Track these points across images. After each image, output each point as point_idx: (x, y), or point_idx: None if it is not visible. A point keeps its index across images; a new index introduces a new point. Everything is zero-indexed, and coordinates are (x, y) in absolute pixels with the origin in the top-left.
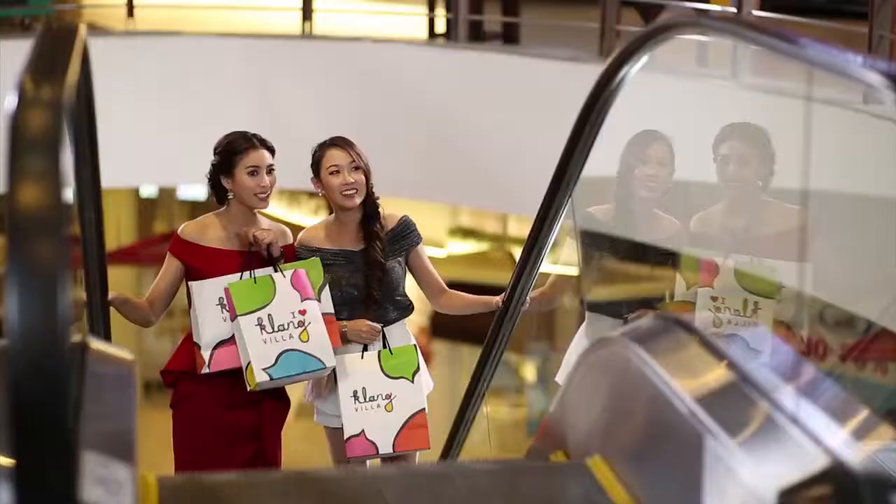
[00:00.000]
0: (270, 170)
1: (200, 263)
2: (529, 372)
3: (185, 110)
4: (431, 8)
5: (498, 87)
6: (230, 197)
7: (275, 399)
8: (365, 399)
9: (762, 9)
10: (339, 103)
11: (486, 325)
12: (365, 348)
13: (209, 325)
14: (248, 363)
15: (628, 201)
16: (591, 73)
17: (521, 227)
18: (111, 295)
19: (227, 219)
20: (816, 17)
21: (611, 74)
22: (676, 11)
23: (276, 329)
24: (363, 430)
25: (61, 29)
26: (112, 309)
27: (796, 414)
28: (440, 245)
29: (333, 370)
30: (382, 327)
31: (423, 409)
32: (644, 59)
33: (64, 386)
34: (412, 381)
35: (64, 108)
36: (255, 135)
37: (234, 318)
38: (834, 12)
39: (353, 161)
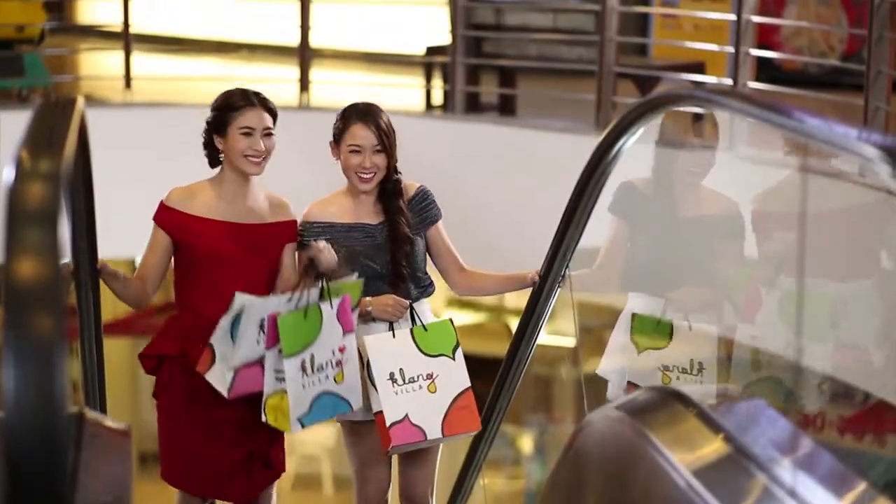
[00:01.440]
0: (268, 133)
1: (187, 235)
2: (527, 443)
3: (182, 181)
4: (428, 79)
5: (495, 159)
6: (221, 158)
7: None
8: (404, 381)
9: (758, 80)
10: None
11: (484, 395)
12: (391, 327)
13: (244, 347)
14: (268, 399)
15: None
16: (587, 144)
17: (518, 299)
18: (99, 263)
19: (218, 185)
20: (812, 88)
21: (607, 146)
22: (672, 83)
23: (315, 370)
24: (407, 415)
25: (59, 101)
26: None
27: (794, 487)
28: (436, 315)
29: (360, 354)
30: (411, 303)
31: (469, 387)
32: (640, 131)
33: (60, 458)
34: (453, 358)
35: (61, 181)
36: (256, 93)
37: (270, 347)
38: (829, 84)
39: (378, 144)
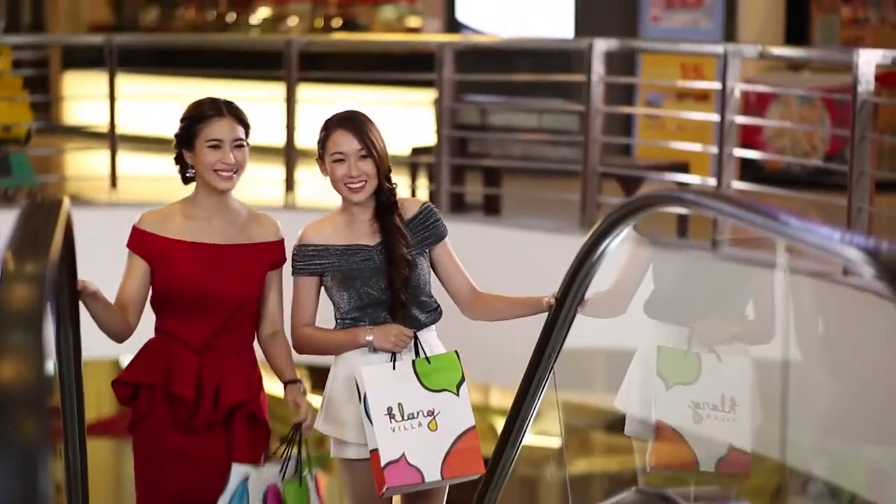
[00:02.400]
0: (239, 145)
1: (163, 259)
2: None
3: None
4: (413, 179)
5: (479, 258)
6: (191, 174)
7: (250, 422)
8: (403, 417)
9: (742, 179)
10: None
11: (468, 500)
12: (394, 358)
13: None
14: None
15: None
16: (572, 244)
17: (503, 399)
18: (80, 284)
19: (192, 204)
20: (795, 188)
21: (592, 246)
22: (657, 183)
23: None
24: (403, 454)
25: (45, 202)
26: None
27: None
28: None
29: (358, 387)
30: (415, 332)
31: (473, 426)
32: (625, 231)
33: None
34: (457, 394)
35: (47, 284)
36: (227, 102)
37: None
38: (813, 184)
39: (362, 148)
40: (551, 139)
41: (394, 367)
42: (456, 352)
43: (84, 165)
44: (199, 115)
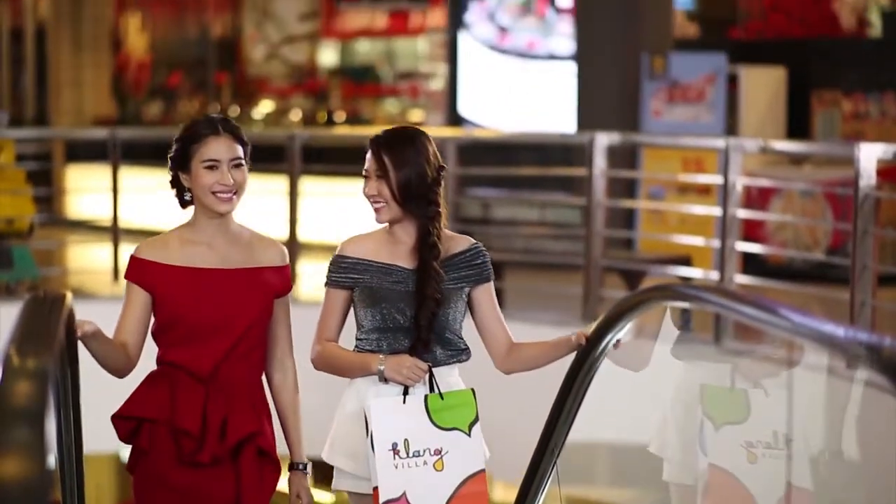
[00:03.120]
0: (237, 164)
1: (165, 287)
2: None
3: None
4: None
5: (483, 352)
6: (188, 198)
7: (260, 459)
8: (408, 454)
9: (745, 272)
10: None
11: None
12: (406, 391)
13: None
14: None
15: None
16: None
17: (506, 493)
18: (79, 325)
19: (192, 229)
20: (798, 282)
21: (595, 341)
22: (659, 277)
23: None
24: (405, 493)
25: (48, 297)
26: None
27: None
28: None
29: (366, 418)
30: (430, 367)
31: (483, 469)
32: (627, 325)
33: None
34: (469, 435)
35: (49, 379)
36: (223, 119)
37: None
38: (815, 277)
39: (378, 168)
40: (553, 233)
41: (404, 401)
42: (472, 390)
43: (86, 258)
44: (193, 135)
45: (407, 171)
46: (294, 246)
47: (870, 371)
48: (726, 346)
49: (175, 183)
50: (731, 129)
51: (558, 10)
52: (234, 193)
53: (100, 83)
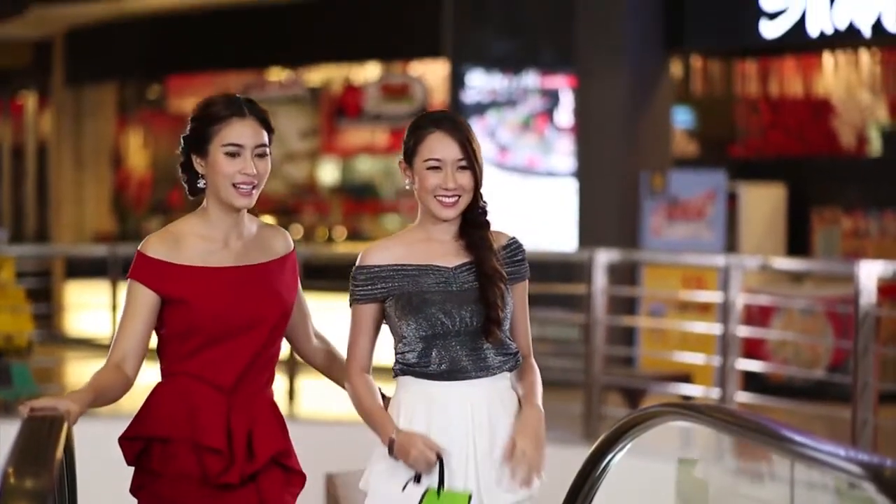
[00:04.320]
0: (262, 153)
1: (180, 291)
2: None
3: None
4: None
5: None
6: (202, 185)
7: (286, 475)
8: None
9: (746, 389)
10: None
11: None
12: (418, 477)
13: None
14: None
15: None
16: (575, 457)
17: None
18: (67, 415)
19: (205, 222)
20: (799, 399)
21: (595, 460)
22: (660, 395)
23: None
24: None
25: (46, 416)
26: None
27: None
28: None
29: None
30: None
31: None
32: (628, 445)
33: None
34: None
35: (47, 499)
36: (248, 99)
37: None
38: (816, 395)
39: (463, 158)
40: (553, 350)
41: (403, 488)
42: (469, 495)
43: (86, 375)
44: (214, 115)
45: (482, 162)
46: (293, 362)
47: (872, 492)
48: (727, 464)
49: (187, 167)
50: (731, 246)
51: (558, 129)
52: (255, 186)
53: (100, 199)
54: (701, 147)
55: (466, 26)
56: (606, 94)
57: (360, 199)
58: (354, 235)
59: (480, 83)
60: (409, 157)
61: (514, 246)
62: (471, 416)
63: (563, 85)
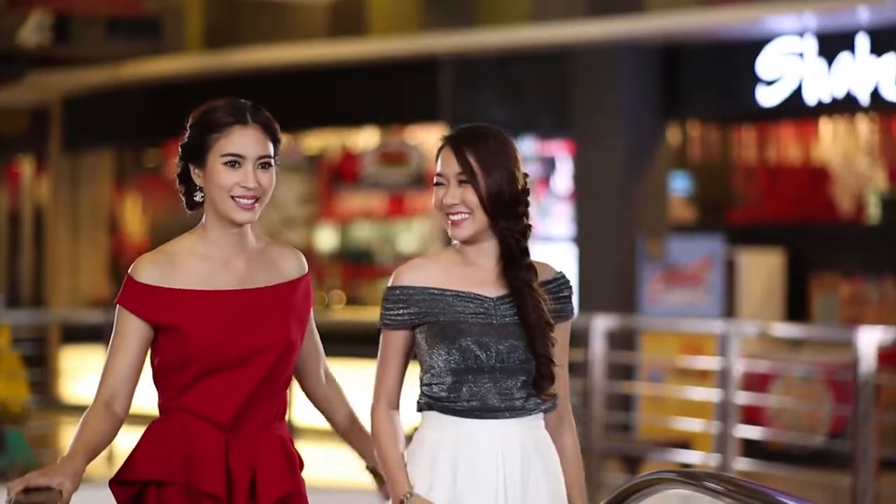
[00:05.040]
0: (265, 164)
1: (175, 318)
2: None
3: None
4: None
5: None
6: (199, 199)
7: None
8: None
9: (746, 455)
10: None
11: None
12: None
13: None
14: None
15: None
16: None
17: None
18: (55, 484)
19: (203, 240)
20: (798, 466)
21: None
22: (659, 462)
23: None
24: None
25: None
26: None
27: None
28: None
29: None
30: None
31: None
32: None
33: None
34: None
35: None
36: (253, 106)
37: None
38: (816, 462)
39: (461, 172)
40: None
41: None
42: None
43: None
44: (213, 122)
45: (497, 176)
46: (290, 427)
47: None
48: None
49: (184, 178)
50: (730, 311)
51: (555, 195)
52: (257, 200)
53: (97, 265)
54: (699, 213)
55: (464, 92)
56: (604, 160)
57: (358, 265)
58: (352, 301)
59: None
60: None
61: (560, 281)
62: (501, 459)
63: (560, 151)
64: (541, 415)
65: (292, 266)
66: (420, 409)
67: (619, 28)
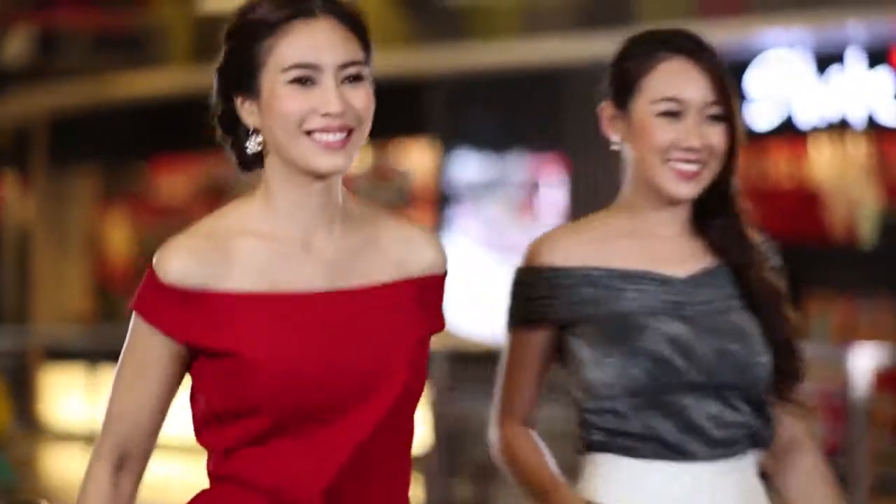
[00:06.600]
0: (354, 75)
1: (225, 338)
2: None
3: None
4: None
5: None
6: (255, 147)
7: None
8: None
9: None
10: None
11: None
12: None
13: None
14: None
15: None
16: None
17: None
18: None
19: (268, 216)
20: None
21: None
22: None
23: None
24: None
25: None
26: None
27: None
28: None
29: None
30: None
31: None
32: None
33: None
34: None
35: None
36: None
37: None
38: None
39: (715, 101)
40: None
41: None
42: None
43: (63, 462)
44: (261, 22)
45: (741, 113)
46: None
47: None
48: None
49: (228, 122)
50: None
51: (547, 210)
52: (350, 133)
53: (80, 282)
54: None
55: (455, 108)
56: (596, 175)
57: None
58: None
59: (468, 164)
60: (623, 96)
61: (766, 245)
62: None
63: (552, 166)
64: (751, 455)
65: (422, 255)
66: (583, 451)
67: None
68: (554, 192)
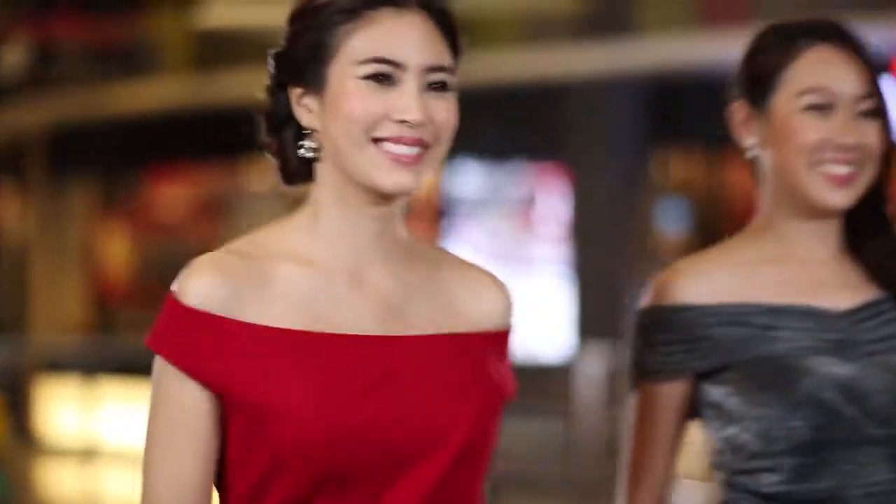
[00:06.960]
0: (441, 84)
1: (255, 383)
2: None
3: None
4: None
5: None
6: (307, 153)
7: None
8: None
9: None
10: None
11: None
12: None
13: None
14: None
15: None
16: None
17: None
18: None
19: (315, 234)
20: None
21: None
22: None
23: None
24: None
25: None
26: None
27: None
28: None
29: None
30: None
31: None
32: None
33: None
34: None
35: None
36: None
37: None
38: None
39: (866, 95)
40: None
41: None
42: None
43: (60, 475)
44: (337, 6)
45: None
46: None
47: None
48: None
49: (275, 117)
50: None
51: (546, 219)
52: (426, 148)
53: (78, 293)
54: (694, 242)
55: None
56: (597, 186)
57: None
58: None
59: (469, 175)
60: (760, 92)
61: None
62: None
63: (553, 177)
64: None
65: (491, 306)
66: None
67: (611, 57)
68: (555, 203)
